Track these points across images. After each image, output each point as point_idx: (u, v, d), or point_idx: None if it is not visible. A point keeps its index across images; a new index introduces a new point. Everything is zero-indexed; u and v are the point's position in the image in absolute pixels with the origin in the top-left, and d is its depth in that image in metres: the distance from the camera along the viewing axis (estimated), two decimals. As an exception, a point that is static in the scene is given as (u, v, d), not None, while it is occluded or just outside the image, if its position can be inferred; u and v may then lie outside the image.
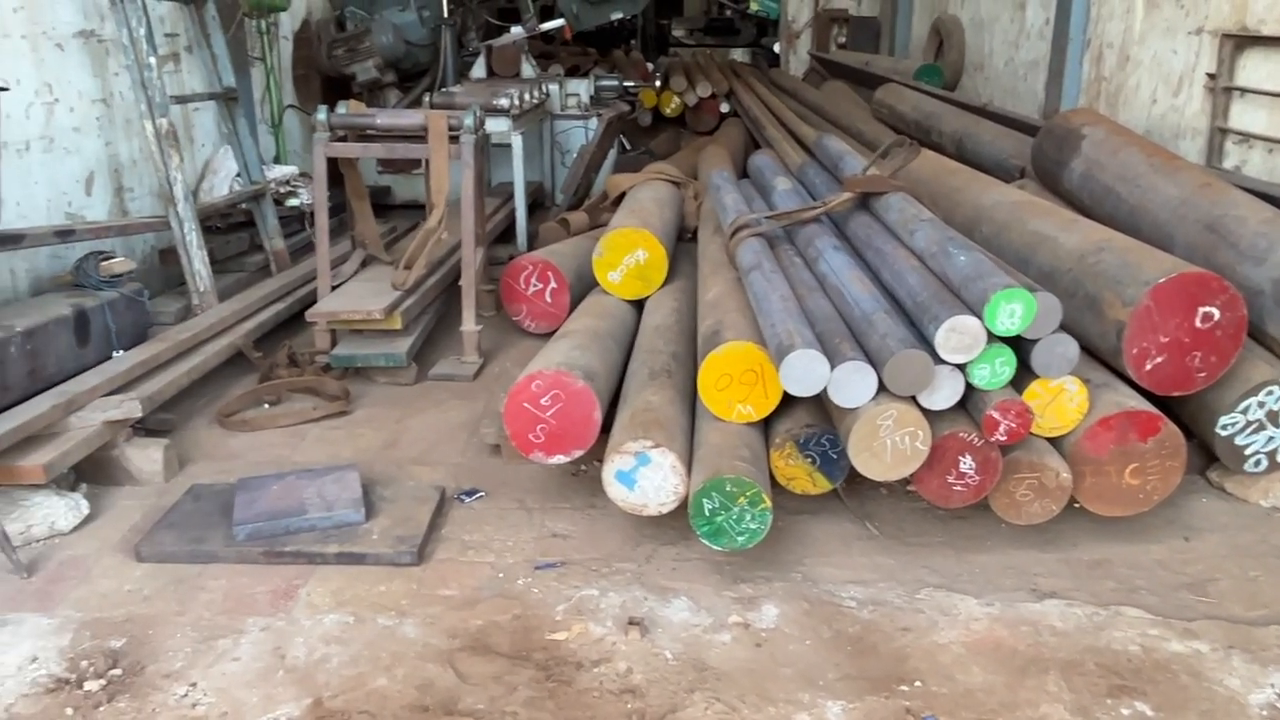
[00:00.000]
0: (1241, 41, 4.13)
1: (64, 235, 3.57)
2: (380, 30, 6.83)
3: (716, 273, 3.62)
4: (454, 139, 4.13)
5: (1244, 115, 4.17)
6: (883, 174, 3.50)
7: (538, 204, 6.99)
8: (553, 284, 4.45)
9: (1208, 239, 3.20)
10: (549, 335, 4.43)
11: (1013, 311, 2.48)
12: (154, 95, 4.04)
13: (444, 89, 6.34)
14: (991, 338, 2.53)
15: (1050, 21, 5.86)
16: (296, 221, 5.51)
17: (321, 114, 4.11)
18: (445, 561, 2.78)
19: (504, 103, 5.62)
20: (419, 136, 4.18)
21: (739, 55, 14.35)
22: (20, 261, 3.84)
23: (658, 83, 8.94)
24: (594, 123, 6.93)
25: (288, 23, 6.85)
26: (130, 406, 3.17)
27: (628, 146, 7.98)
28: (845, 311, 2.86)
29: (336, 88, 7.31)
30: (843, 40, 10.19)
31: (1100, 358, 2.94)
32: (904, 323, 2.68)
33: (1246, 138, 4.15)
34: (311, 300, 4.48)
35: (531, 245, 5.75)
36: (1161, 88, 4.76)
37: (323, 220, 4.09)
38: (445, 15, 7.02)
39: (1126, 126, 5.00)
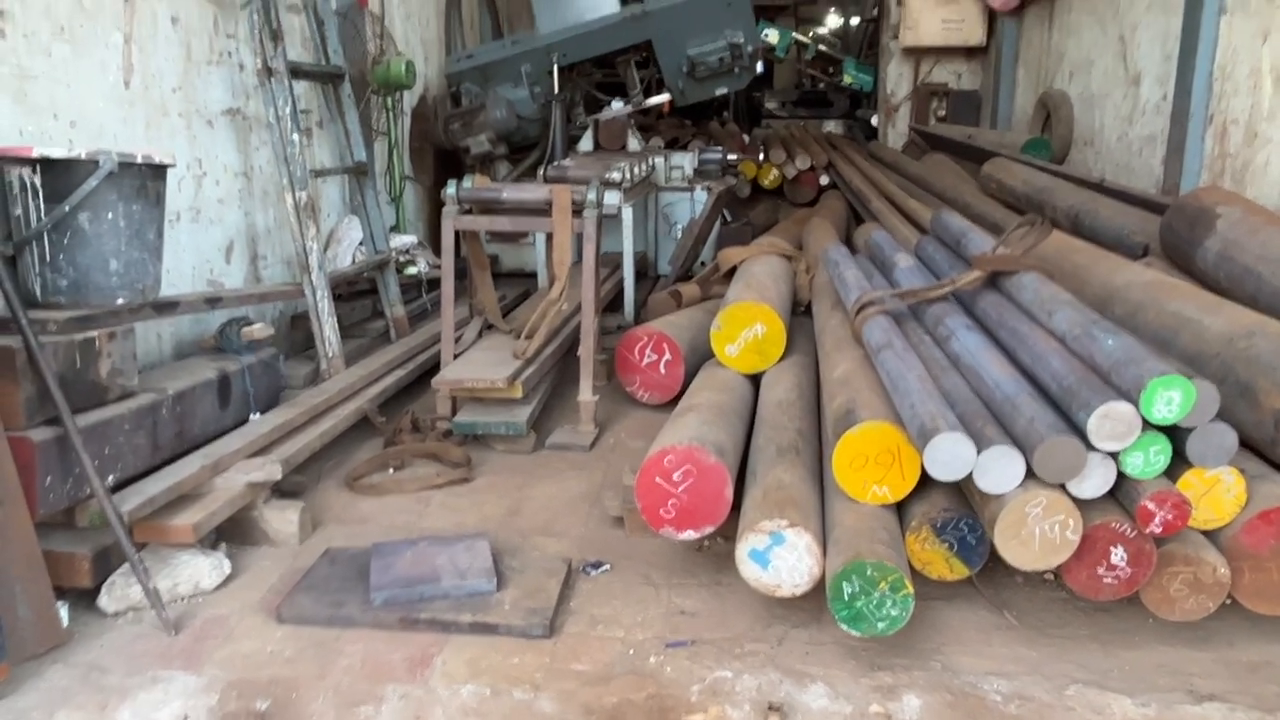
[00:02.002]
0: (1385, 121, 4.01)
1: (213, 303, 3.74)
2: (495, 105, 7.08)
3: (840, 349, 3.61)
4: (576, 213, 4.24)
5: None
6: (1013, 252, 3.46)
7: (641, 273, 7.09)
8: (667, 356, 4.49)
9: (1364, 324, 3.07)
10: (662, 407, 4.48)
11: (1170, 399, 2.41)
12: (295, 170, 4.24)
13: (555, 163, 6.52)
14: (1146, 425, 2.45)
15: (1168, 97, 5.77)
16: (414, 289, 5.69)
17: (451, 188, 4.25)
18: (576, 635, 2.78)
19: (616, 176, 5.74)
20: (541, 210, 4.29)
21: (832, 127, 14.45)
22: (166, 326, 4.04)
23: (761, 156, 9.03)
24: (700, 194, 7.04)
25: (408, 98, 7.16)
26: (271, 469, 3.27)
27: (729, 218, 8.05)
28: (984, 393, 2.82)
29: (449, 160, 7.60)
30: (942, 113, 10.19)
31: (1253, 447, 2.82)
32: (1049, 407, 2.62)
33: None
34: (431, 366, 4.61)
35: (638, 314, 5.83)
36: (1294, 165, 4.64)
37: (449, 290, 4.21)
38: (556, 91, 7.25)
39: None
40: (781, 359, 4.12)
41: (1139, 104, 6.37)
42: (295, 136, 4.25)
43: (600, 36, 7.35)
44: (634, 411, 4.57)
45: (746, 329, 4.07)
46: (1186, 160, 5.49)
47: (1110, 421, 2.44)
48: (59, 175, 2.94)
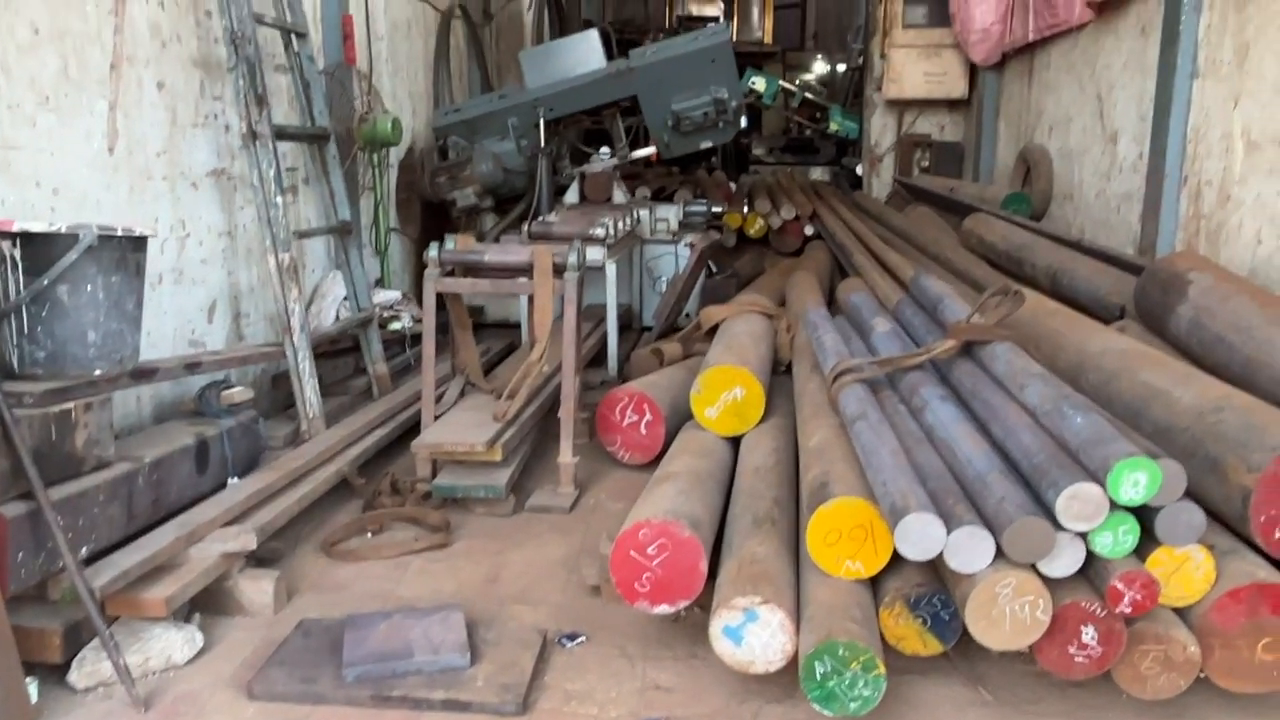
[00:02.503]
0: (1351, 189, 4.08)
1: (193, 368, 3.75)
2: (481, 159, 7.15)
3: (818, 416, 3.63)
4: (558, 274, 4.27)
5: (1358, 263, 4.09)
6: (987, 321, 3.50)
7: (627, 326, 7.14)
8: (648, 416, 4.50)
9: (1332, 397, 3.11)
10: (643, 467, 4.49)
11: (1136, 481, 2.43)
12: (278, 232, 4.28)
13: (540, 217, 6.57)
14: (1114, 505, 2.47)
15: (1144, 156, 5.86)
16: (398, 344, 5.71)
17: (433, 250, 4.29)
18: (549, 712, 2.76)
19: (600, 232, 5.80)
20: (523, 271, 4.32)
21: (819, 174, 14.61)
22: (146, 389, 4.04)
23: (745, 208, 9.12)
24: (685, 249, 7.09)
25: (395, 151, 7.22)
26: (246, 539, 3.26)
27: (714, 269, 8.11)
28: (956, 469, 2.84)
29: (436, 212, 7.65)
30: (926, 164, 10.32)
31: (1225, 521, 2.85)
32: (1019, 484, 2.64)
33: (1361, 285, 4.06)
34: (412, 424, 4.61)
35: (622, 370, 5.85)
36: (1267, 229, 4.70)
37: (430, 353, 4.22)
38: (542, 144, 7.32)
39: (1231, 269, 4.94)
40: (761, 421, 4.14)
41: (1116, 161, 6.46)
42: (278, 199, 4.29)
43: (586, 91, 7.44)
44: (615, 471, 4.57)
45: (726, 392, 4.10)
46: (1162, 220, 5.57)
47: (1078, 502, 2.46)
48: (39, 249, 2.96)
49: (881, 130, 10.75)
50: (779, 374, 4.97)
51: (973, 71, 9.77)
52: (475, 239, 7.51)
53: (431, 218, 7.82)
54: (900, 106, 10.51)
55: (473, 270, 4.40)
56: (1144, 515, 2.55)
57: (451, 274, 4.44)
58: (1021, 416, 2.90)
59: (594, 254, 5.89)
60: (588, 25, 17.47)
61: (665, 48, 7.48)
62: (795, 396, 4.20)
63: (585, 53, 7.47)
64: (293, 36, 4.80)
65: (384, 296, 5.66)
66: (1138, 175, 6.00)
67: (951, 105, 10.35)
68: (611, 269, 5.86)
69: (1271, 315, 3.57)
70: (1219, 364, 3.71)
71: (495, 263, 4.32)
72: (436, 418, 4.31)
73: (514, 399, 4.28)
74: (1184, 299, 3.98)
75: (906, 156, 10.39)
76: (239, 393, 3.91)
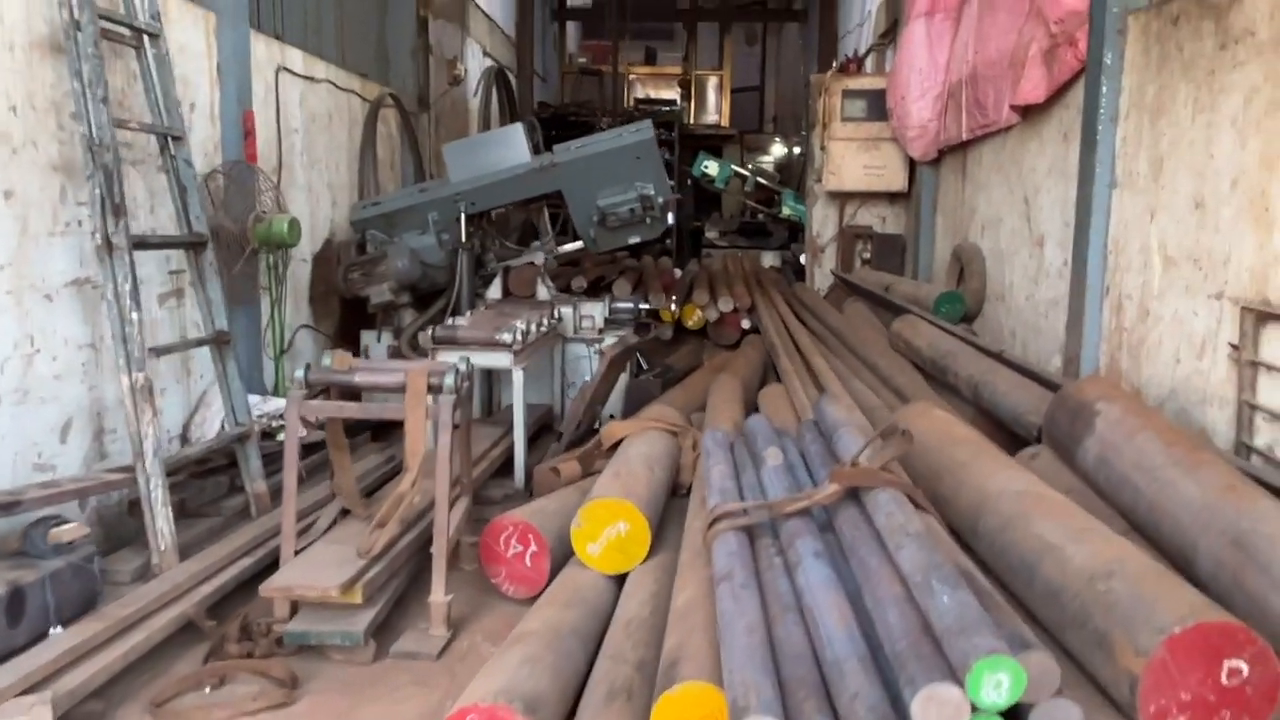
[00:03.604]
0: (1264, 316, 3.90)
1: (7, 509, 3.41)
2: (397, 255, 6.92)
3: (693, 564, 3.34)
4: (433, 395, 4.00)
5: (1273, 392, 3.89)
6: (874, 463, 3.25)
7: (547, 427, 6.85)
8: (533, 547, 4.19)
9: (1234, 556, 2.86)
10: (529, 600, 4.16)
11: (999, 683, 2.15)
12: (132, 350, 3.99)
13: (453, 316, 6.33)
14: (976, 709, 2.19)
15: (1069, 263, 5.71)
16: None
17: (300, 371, 4.01)
18: None
19: (507, 338, 5.56)
20: (398, 392, 4.05)
21: (770, 258, 14.56)
22: (-33, 524, 3.69)
23: (673, 306, 8.95)
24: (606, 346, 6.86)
25: (308, 245, 6.99)
26: (40, 712, 2.90)
27: (644, 366, 7.88)
28: (818, 648, 2.55)
29: (356, 306, 7.39)
30: (867, 255, 10.22)
31: (1116, 704, 2.57)
32: (877, 676, 2.35)
33: (1275, 417, 3.86)
34: (282, 554, 4.27)
35: (529, 482, 5.55)
36: (1185, 348, 4.52)
37: (291, 484, 3.92)
38: (463, 239, 7.11)
39: (1153, 388, 4.76)
40: (650, 557, 3.86)
41: (1043, 266, 6.33)
42: (134, 315, 4.00)
43: (510, 185, 7.27)
44: (498, 606, 4.23)
45: (609, 527, 3.82)
46: (1086, 331, 5.40)
47: (936, 704, 2.17)
48: None
49: (823, 221, 10.67)
50: (682, 496, 4.69)
51: (912, 165, 9.73)
52: (393, 335, 7.29)
53: (352, 312, 7.57)
54: (842, 198, 10.44)
55: (346, 392, 4.11)
56: (1019, 712, 2.27)
57: (326, 393, 4.15)
58: (893, 586, 2.62)
59: (500, 360, 5.64)
60: (543, 107, 17.57)
61: (591, 143, 7.34)
62: (685, 532, 3.91)
63: (510, 146, 7.31)
64: (169, 139, 4.56)
65: (273, 405, 5.35)
66: (1063, 282, 5.85)
67: (892, 197, 10.30)
68: (519, 376, 5.60)
69: (1176, 455, 3.34)
70: (1125, 507, 3.48)
71: (367, 384, 4.04)
72: (299, 552, 3.97)
73: (383, 531, 3.96)
74: (1091, 431, 3.76)
75: (849, 248, 10.29)
76: (70, 530, 3.58)
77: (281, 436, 5.30)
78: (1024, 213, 6.70)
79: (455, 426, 4.05)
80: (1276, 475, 3.51)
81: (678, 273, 11.70)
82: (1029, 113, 6.54)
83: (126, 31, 4.43)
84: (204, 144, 5.48)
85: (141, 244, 4.30)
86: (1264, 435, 3.95)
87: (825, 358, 6.61)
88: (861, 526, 3.05)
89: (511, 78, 14.45)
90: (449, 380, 3.98)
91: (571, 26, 22.62)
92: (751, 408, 6.16)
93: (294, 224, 5.56)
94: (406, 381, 3.97)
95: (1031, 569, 2.98)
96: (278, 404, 5.41)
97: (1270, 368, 3.86)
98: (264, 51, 6.27)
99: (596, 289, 10.08)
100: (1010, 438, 4.93)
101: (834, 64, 11.05)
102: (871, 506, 3.09)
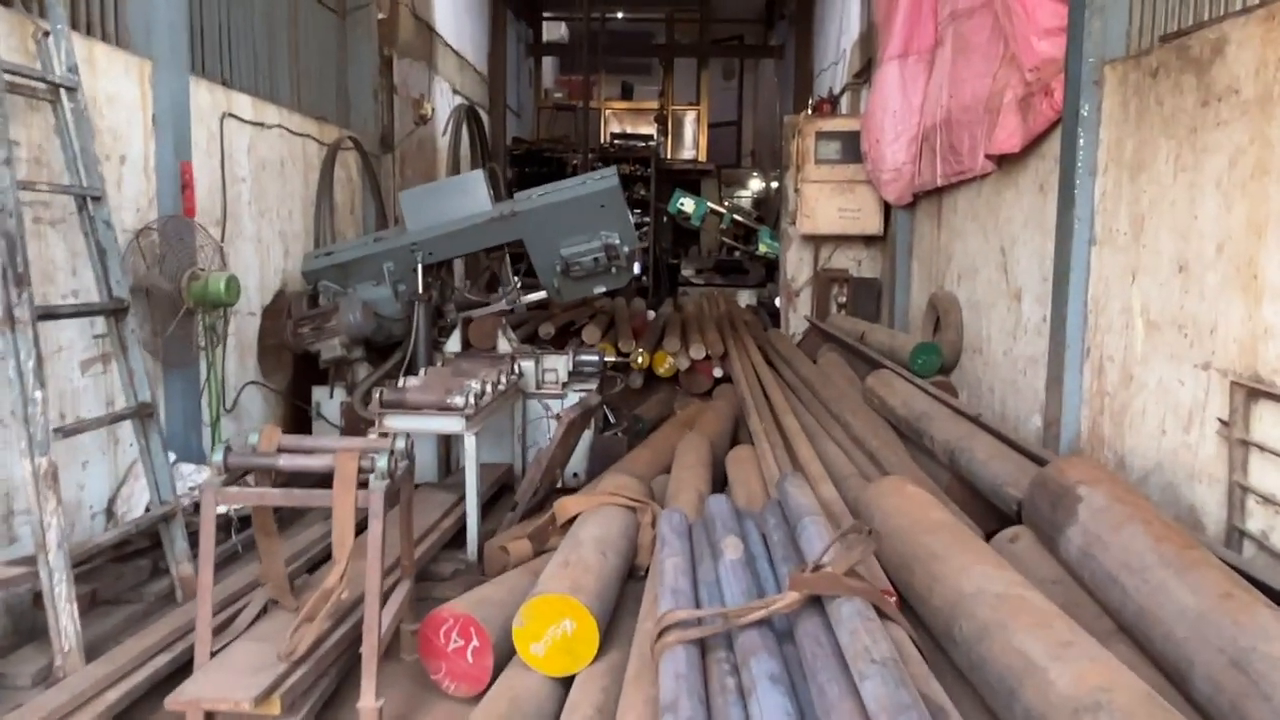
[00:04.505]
0: (1254, 392, 3.65)
1: (-126, 622, 3.07)
2: (349, 308, 6.61)
3: (640, 677, 3.04)
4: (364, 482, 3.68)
5: (1266, 475, 3.62)
6: (837, 569, 2.96)
7: (507, 487, 6.53)
8: (475, 642, 3.85)
9: (1235, 680, 2.58)
10: (473, 699, 3.83)
11: None
12: (35, 432, 3.65)
13: (405, 375, 6.01)
14: None
15: (1048, 319, 5.47)
16: (223, 529, 5.03)
17: (218, 454, 3.69)
18: None
19: (459, 401, 5.24)
20: (326, 480, 3.73)
21: (746, 297, 14.33)
22: None
23: (639, 359, 8.67)
24: (571, 399, 6.56)
25: (256, 298, 6.68)
26: None
27: (612, 420, 7.58)
28: (769, 803, 2.24)
29: (309, 359, 7.05)
30: (844, 299, 9.99)
31: None
32: None
33: (1269, 501, 3.59)
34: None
35: (481, 553, 5.22)
36: (1170, 418, 4.26)
37: (207, 579, 3.57)
38: (420, 290, 6.82)
39: (1136, 460, 4.49)
40: (600, 656, 3.55)
41: (1021, 320, 6.08)
42: (38, 394, 3.68)
43: (469, 235, 6.98)
44: (438, 704, 3.89)
45: (554, 626, 3.51)
46: (1066, 393, 5.14)
47: None
48: None
49: (798, 265, 10.43)
50: (639, 579, 4.38)
51: (887, 208, 9.52)
52: (346, 390, 6.96)
53: (305, 366, 7.23)
54: (817, 240, 10.22)
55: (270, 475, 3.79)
56: None
57: (243, 477, 3.83)
58: (854, 725, 2.33)
59: (452, 425, 5.33)
60: (517, 143, 17.36)
61: (554, 190, 7.07)
62: (636, 631, 3.60)
63: (469, 194, 7.03)
64: (87, 200, 4.25)
65: (208, 474, 4.99)
66: (1042, 339, 5.60)
67: (869, 239, 10.08)
68: (471, 442, 5.28)
69: (1166, 554, 3.07)
70: (1112, 606, 3.20)
71: (291, 469, 3.71)
72: (215, 652, 3.62)
73: (308, 628, 3.62)
74: (1074, 520, 3.49)
75: (824, 292, 10.04)
76: (-47, 639, 3.23)
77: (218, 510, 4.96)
78: (1001, 263, 6.46)
79: (396, 505, 3.74)
80: (1273, 573, 3.24)
81: (651, 315, 11.42)
82: (1004, 161, 6.33)
83: (40, 85, 4.13)
84: (137, 199, 5.17)
85: (49, 314, 3.97)
86: (1257, 519, 3.68)
87: (798, 415, 6.33)
88: (824, 643, 2.76)
89: (484, 114, 14.24)
90: (381, 463, 3.66)
91: (548, 61, 22.48)
92: (719, 471, 5.86)
93: (231, 281, 5.25)
94: (335, 466, 3.64)
95: (1012, 692, 2.69)
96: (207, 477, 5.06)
97: (1263, 449, 3.60)
98: (207, 98, 5.98)
99: (566, 334, 9.80)
100: (988, 506, 4.67)
101: (809, 104, 10.87)
102: (835, 618, 2.80)
